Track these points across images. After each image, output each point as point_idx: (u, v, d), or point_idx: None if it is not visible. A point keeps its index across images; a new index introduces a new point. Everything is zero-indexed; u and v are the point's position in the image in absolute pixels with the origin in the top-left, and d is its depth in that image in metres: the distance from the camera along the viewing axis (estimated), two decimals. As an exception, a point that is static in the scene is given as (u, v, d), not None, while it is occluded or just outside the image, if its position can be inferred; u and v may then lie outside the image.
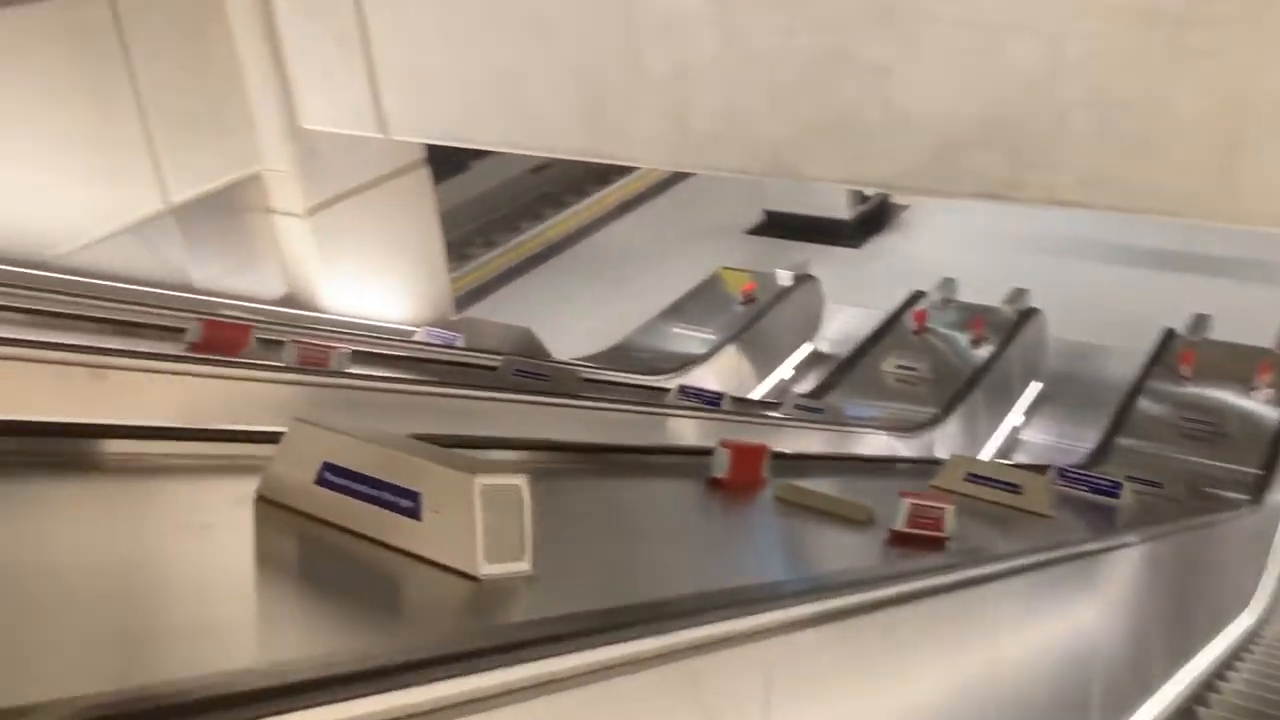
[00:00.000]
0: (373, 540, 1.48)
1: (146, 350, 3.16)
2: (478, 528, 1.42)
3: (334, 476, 1.57)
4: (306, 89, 6.49)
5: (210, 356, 3.38)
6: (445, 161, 9.15)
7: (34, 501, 1.63)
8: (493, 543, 1.43)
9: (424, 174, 7.55)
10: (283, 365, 3.50)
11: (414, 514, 1.48)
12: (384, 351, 4.84)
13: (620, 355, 8.33)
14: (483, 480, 1.44)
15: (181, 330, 3.85)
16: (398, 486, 1.49)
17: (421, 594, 1.38)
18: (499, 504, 1.45)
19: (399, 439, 1.61)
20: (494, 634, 1.17)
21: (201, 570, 1.37)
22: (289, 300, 7.01)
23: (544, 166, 12.38)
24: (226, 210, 6.84)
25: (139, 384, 2.88)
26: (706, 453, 2.88)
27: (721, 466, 2.82)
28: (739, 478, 2.81)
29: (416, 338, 6.18)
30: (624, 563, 1.90)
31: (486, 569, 1.41)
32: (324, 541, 1.49)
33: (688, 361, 8.01)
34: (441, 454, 1.53)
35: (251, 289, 6.84)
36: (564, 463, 2.64)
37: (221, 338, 3.78)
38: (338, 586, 1.42)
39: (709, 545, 2.30)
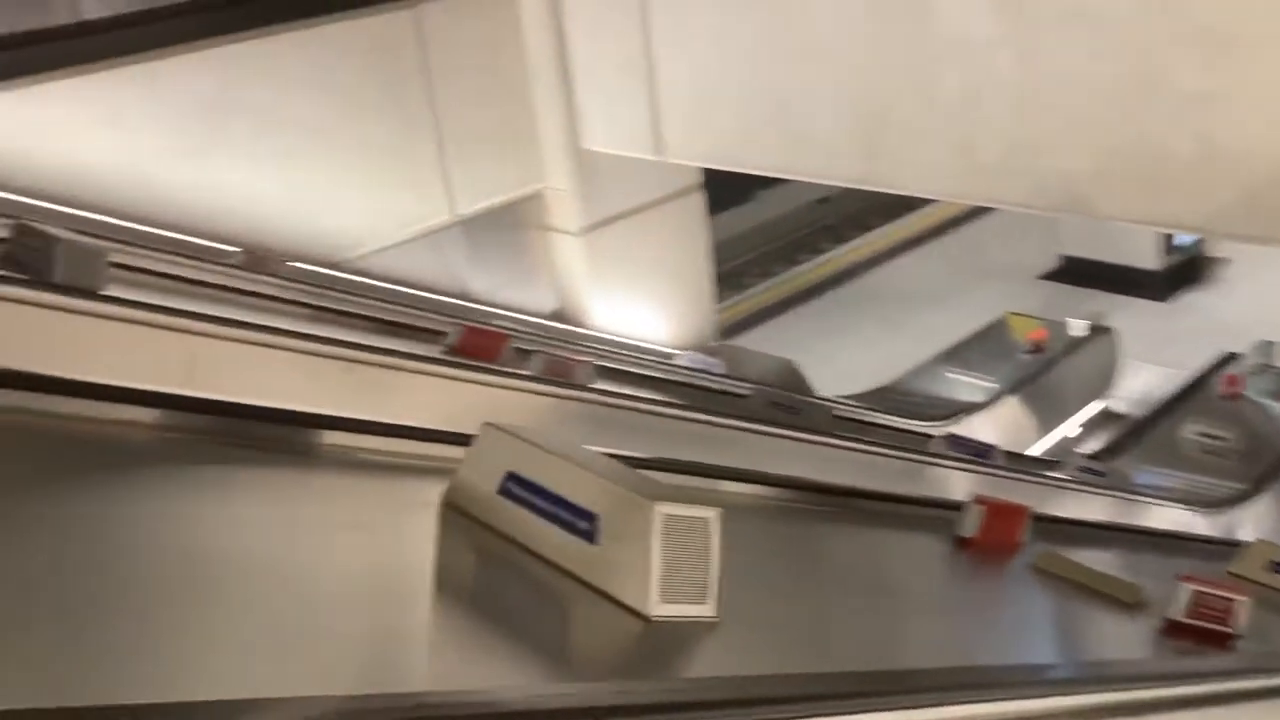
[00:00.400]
0: (546, 561, 1.36)
1: (397, 349, 3.23)
2: (653, 561, 1.26)
3: (515, 487, 1.47)
4: (590, 110, 6.61)
5: (460, 360, 3.43)
6: (730, 191, 9.10)
7: (234, 485, 1.62)
8: (670, 580, 1.27)
9: (698, 199, 7.52)
10: (526, 374, 3.50)
11: (590, 538, 1.34)
12: (637, 371, 4.80)
13: (889, 396, 7.98)
14: (665, 509, 1.28)
15: (445, 334, 3.99)
16: (576, 506, 1.37)
17: (575, 631, 1.24)
18: (682, 537, 1.29)
19: (588, 454, 1.48)
20: (632, 689, 1.01)
21: (343, 577, 1.29)
22: (559, 315, 7.15)
23: (828, 198, 12.14)
24: (508, 225, 7.07)
25: (384, 380, 2.93)
26: (958, 508, 2.60)
27: (972, 525, 2.53)
28: (991, 539, 2.52)
29: (677, 361, 6.13)
30: (832, 621, 1.68)
31: (659, 609, 1.25)
32: (493, 558, 1.37)
33: (962, 409, 7.55)
34: (627, 475, 1.39)
35: (525, 302, 7.03)
36: (795, 501, 2.44)
37: (478, 344, 3.87)
38: (489, 612, 1.30)
39: (937, 612, 2.03)
